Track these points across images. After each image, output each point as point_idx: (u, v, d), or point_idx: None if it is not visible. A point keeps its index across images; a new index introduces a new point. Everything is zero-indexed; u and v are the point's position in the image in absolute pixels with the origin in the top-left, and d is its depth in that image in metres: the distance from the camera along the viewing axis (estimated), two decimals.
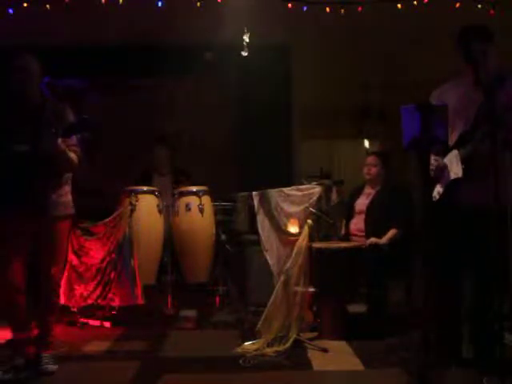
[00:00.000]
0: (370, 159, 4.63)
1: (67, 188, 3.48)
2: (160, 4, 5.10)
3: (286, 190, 4.24)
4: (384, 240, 4.31)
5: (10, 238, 3.33)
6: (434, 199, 3.24)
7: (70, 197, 3.51)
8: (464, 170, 3.10)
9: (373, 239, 4.32)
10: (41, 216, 3.33)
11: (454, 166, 3.15)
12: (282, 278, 3.93)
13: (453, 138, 3.21)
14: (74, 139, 3.41)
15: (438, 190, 3.24)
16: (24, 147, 3.22)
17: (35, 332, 3.47)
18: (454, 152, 3.17)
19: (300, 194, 4.19)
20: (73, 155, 3.38)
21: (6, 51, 3.37)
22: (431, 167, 3.26)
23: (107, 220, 4.62)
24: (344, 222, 4.70)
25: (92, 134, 3.31)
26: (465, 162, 3.11)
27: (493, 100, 2.86)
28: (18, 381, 3.28)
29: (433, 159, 3.26)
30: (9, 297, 3.36)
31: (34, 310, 3.48)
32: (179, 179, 5.34)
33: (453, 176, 3.15)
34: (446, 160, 3.21)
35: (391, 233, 4.33)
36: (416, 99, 2.91)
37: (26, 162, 3.23)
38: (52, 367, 3.39)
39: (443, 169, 3.21)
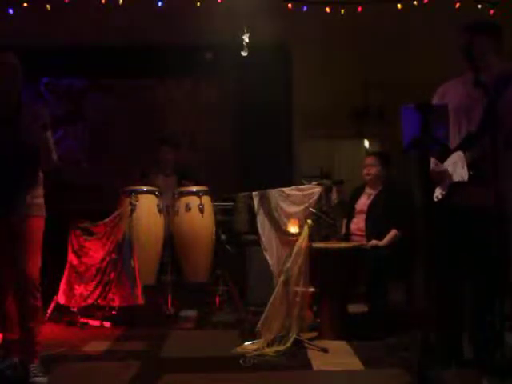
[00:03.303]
0: (369, 160, 4.61)
1: (40, 191, 3.39)
2: (160, 4, 5.11)
3: (286, 189, 4.24)
4: (384, 241, 4.31)
5: None
6: (436, 199, 3.23)
7: (42, 200, 3.40)
8: (470, 174, 3.08)
9: (373, 241, 4.31)
10: (14, 216, 3.25)
11: (459, 168, 3.11)
12: (282, 277, 3.92)
13: (455, 138, 3.17)
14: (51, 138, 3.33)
15: (441, 191, 3.21)
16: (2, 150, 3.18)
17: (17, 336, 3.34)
18: (460, 154, 3.13)
19: (300, 193, 4.19)
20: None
21: None
22: (431, 170, 3.23)
23: (107, 220, 4.62)
24: (344, 221, 4.70)
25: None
26: (471, 166, 3.08)
27: (494, 100, 2.85)
28: (18, 379, 3.25)
29: (433, 162, 3.24)
30: None
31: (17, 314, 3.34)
32: (183, 181, 5.30)
33: (457, 178, 3.11)
34: (450, 161, 3.17)
35: (391, 234, 4.33)
36: (416, 99, 2.90)
37: (3, 164, 3.19)
38: (41, 379, 3.19)
39: (442, 174, 3.18)
